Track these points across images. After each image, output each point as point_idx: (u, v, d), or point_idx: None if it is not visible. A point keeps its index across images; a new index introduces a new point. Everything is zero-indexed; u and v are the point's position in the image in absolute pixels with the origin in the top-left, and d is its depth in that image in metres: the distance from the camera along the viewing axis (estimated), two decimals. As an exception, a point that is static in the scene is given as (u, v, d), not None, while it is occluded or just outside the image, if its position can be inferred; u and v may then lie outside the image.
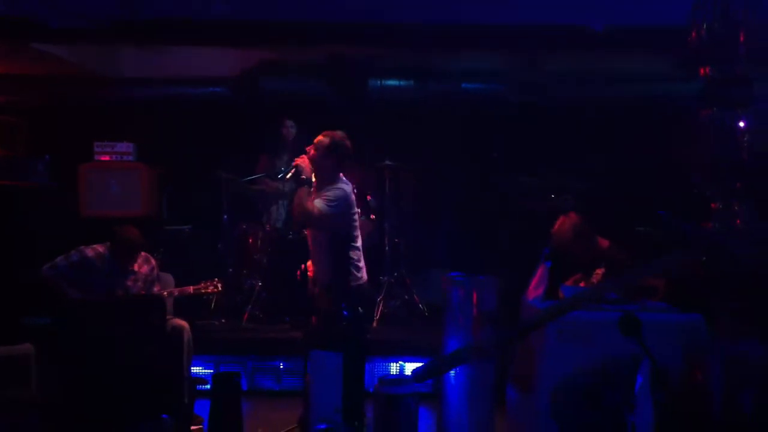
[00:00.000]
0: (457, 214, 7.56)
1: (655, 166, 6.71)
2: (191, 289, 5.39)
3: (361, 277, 4.77)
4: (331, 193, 4.61)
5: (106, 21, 5.58)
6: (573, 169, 7.09)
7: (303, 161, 4.65)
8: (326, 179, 4.70)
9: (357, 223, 4.79)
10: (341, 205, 4.62)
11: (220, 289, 5.42)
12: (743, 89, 3.43)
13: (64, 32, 5.69)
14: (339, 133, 4.71)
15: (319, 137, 4.71)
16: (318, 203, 4.55)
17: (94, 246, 5.30)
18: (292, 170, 4.67)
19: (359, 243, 4.79)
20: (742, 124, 3.39)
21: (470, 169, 7.46)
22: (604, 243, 4.92)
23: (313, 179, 4.70)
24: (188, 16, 5.74)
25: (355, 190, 4.90)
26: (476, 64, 7.13)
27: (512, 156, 7.24)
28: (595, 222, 4.98)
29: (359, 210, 5.37)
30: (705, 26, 3.42)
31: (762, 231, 3.55)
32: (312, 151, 4.69)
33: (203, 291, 5.40)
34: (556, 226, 4.94)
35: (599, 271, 4.84)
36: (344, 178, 4.76)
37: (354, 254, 4.71)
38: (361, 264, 4.77)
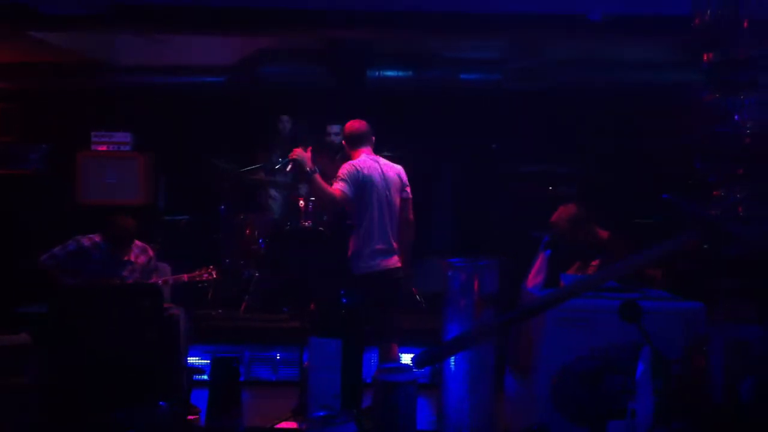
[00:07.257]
0: (455, 203, 7.54)
1: (655, 153, 6.71)
2: (185, 276, 5.37)
3: (368, 265, 4.64)
4: (339, 172, 4.64)
5: (101, 7, 5.52)
6: (571, 157, 7.09)
7: (299, 154, 4.60)
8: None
9: (371, 205, 4.66)
10: (352, 176, 4.60)
11: (215, 276, 5.40)
12: (748, 72, 3.42)
13: (59, 18, 5.63)
14: (345, 125, 4.94)
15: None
16: (335, 185, 4.59)
17: (90, 236, 5.26)
18: (290, 164, 4.64)
19: (375, 232, 4.64)
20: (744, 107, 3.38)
21: (469, 158, 7.44)
22: (604, 234, 4.91)
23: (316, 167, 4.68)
24: (186, 2, 5.70)
25: None
26: (475, 53, 7.12)
27: (511, 144, 7.22)
28: (594, 212, 4.97)
29: None
30: (708, 11, 3.41)
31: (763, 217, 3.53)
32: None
33: (198, 278, 5.37)
34: (555, 216, 4.93)
35: (595, 263, 4.83)
36: (362, 157, 4.74)
37: (355, 240, 4.66)
38: (367, 251, 4.62)
